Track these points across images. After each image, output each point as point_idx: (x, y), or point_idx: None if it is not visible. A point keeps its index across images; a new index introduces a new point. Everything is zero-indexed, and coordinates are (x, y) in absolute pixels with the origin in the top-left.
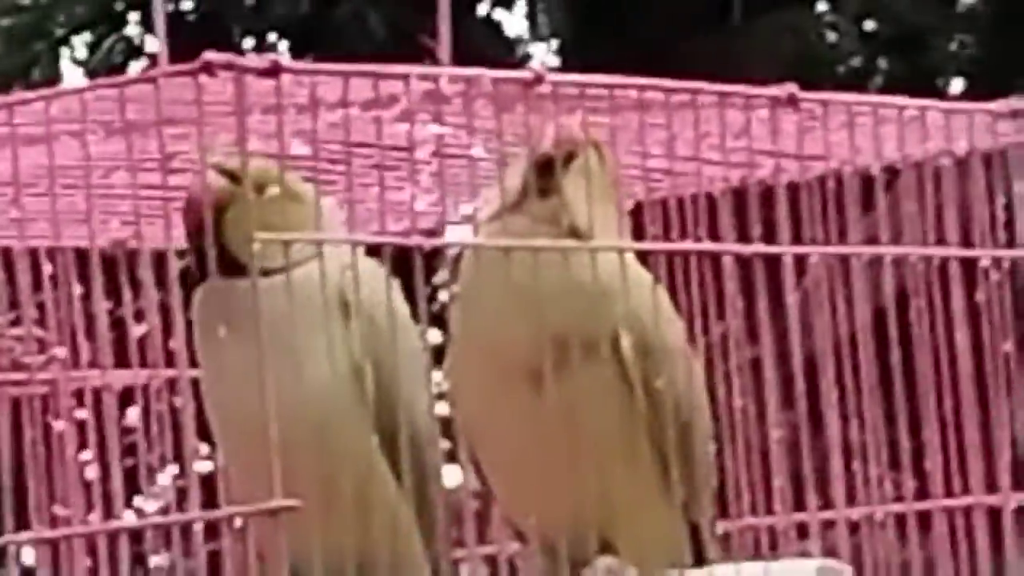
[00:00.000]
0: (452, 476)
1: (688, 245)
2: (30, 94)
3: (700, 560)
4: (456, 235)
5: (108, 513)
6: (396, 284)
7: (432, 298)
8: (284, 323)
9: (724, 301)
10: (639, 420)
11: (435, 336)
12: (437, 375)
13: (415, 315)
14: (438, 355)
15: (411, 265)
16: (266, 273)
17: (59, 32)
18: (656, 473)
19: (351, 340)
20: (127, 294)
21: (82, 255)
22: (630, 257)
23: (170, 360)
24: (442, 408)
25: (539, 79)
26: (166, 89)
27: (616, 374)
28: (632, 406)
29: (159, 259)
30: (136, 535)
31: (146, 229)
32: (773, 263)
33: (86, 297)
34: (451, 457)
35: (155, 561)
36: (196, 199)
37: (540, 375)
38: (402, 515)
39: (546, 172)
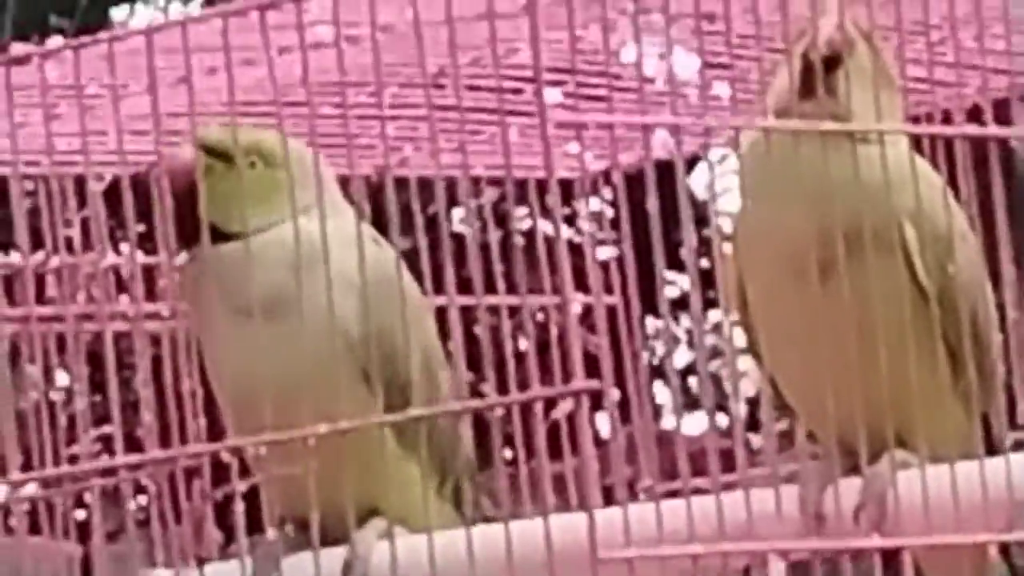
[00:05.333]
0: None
1: (971, 129)
2: None
3: (992, 451)
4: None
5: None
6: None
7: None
8: (269, 283)
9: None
10: (930, 311)
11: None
12: None
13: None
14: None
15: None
16: (240, 236)
17: None
18: (947, 364)
19: (344, 303)
20: None
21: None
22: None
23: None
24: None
25: None
26: None
27: (906, 266)
28: (923, 298)
29: (423, 187)
30: None
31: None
32: None
33: None
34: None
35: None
36: (170, 170)
37: (828, 268)
38: (402, 466)
39: (823, 70)
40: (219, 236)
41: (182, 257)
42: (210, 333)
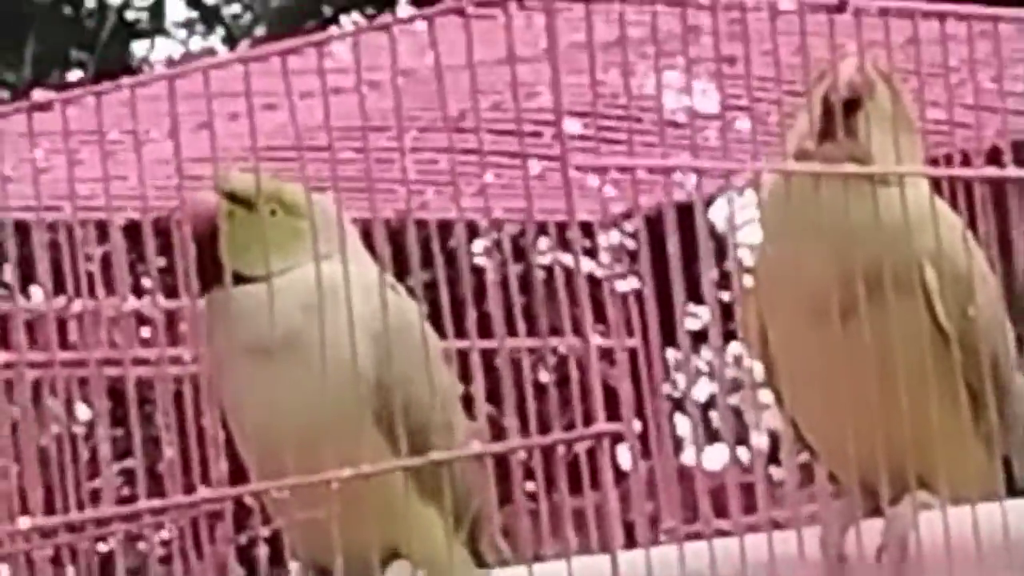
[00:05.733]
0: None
1: (990, 171)
2: (333, 31)
3: (1013, 492)
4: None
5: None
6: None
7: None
8: (286, 324)
9: None
10: (951, 354)
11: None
12: None
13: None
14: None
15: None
16: (259, 279)
17: (328, 11)
18: (968, 406)
19: (360, 348)
20: None
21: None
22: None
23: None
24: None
25: (843, 6)
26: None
27: (926, 308)
28: (943, 340)
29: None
30: None
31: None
32: None
33: None
34: None
35: None
36: (192, 215)
37: (849, 310)
38: (420, 511)
39: (843, 113)
40: (238, 280)
41: (202, 301)
42: (228, 375)
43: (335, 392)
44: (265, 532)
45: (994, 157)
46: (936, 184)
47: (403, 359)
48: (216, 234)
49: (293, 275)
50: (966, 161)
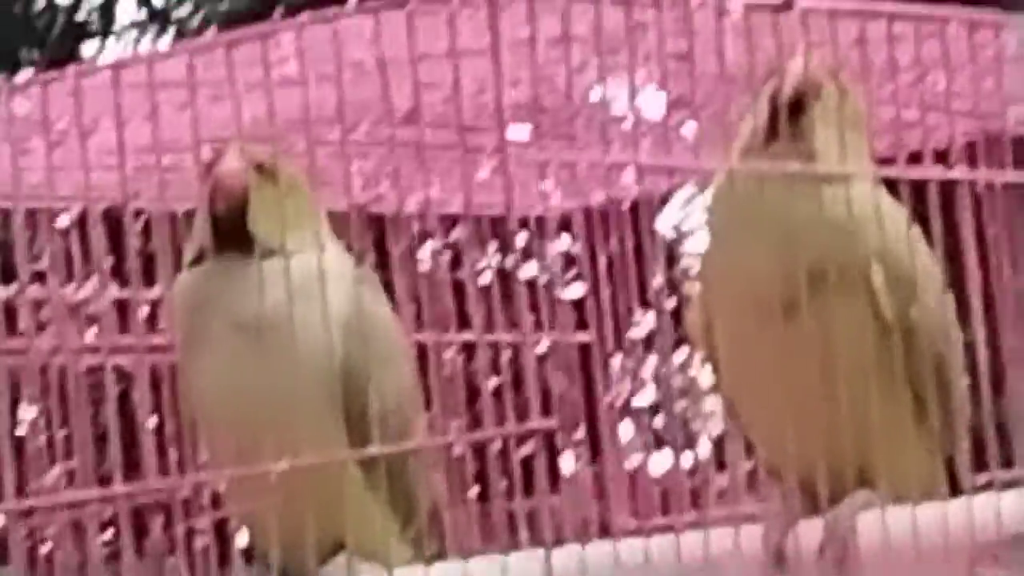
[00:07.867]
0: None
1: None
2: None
3: (955, 492)
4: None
5: None
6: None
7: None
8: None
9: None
10: (894, 352)
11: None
12: None
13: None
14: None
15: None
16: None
17: (279, 16)
18: (911, 406)
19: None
20: None
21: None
22: (881, 190)
23: None
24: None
25: (789, 4)
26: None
27: (870, 306)
28: (887, 338)
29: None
30: None
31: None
32: None
33: None
34: None
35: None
36: (220, 180)
37: (793, 308)
38: (368, 503)
39: (790, 112)
40: (253, 250)
41: (192, 273)
42: (200, 346)
43: (301, 379)
44: (203, 524)
45: (945, 157)
46: (891, 185)
47: (373, 355)
48: (244, 200)
49: (293, 259)
50: (916, 161)
